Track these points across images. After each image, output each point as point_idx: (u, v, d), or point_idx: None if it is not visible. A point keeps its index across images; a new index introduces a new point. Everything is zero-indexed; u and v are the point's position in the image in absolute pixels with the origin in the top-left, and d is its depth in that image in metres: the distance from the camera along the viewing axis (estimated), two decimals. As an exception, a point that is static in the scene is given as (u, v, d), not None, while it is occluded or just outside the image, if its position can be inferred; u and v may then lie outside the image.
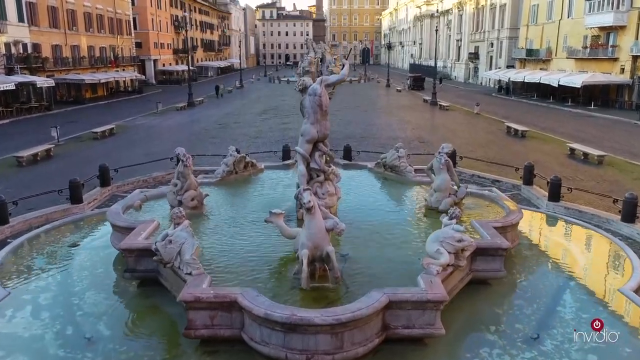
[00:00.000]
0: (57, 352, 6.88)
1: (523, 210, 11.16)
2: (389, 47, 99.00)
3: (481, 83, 72.01)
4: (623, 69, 42.01)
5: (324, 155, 10.24)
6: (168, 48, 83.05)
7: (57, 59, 49.05)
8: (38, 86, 41.49)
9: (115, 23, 63.30)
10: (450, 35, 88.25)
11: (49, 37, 48.23)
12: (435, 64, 57.46)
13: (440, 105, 44.38)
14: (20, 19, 43.12)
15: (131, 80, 63.24)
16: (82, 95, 50.73)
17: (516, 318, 7.71)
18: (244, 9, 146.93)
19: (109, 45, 61.39)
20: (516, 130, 28.83)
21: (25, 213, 13.04)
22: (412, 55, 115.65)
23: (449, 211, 8.16)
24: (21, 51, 43.01)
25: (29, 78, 40.29)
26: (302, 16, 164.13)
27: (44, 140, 25.92)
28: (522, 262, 9.76)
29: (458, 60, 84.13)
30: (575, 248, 11.04)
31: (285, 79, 77.09)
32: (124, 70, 63.44)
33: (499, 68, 64.52)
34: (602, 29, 44.21)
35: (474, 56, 75.12)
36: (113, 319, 7.70)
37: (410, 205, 11.66)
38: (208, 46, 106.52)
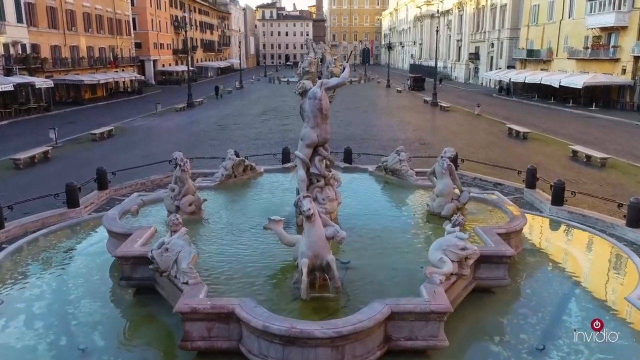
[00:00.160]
0: (50, 364, 6.71)
1: (526, 215, 10.99)
2: (389, 47, 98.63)
3: (482, 83, 71.85)
4: (624, 69, 41.83)
5: (324, 160, 10.05)
6: (168, 48, 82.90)
7: (56, 59, 48.90)
8: (37, 87, 41.37)
9: (115, 23, 63.14)
10: (450, 36, 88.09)
11: (48, 38, 48.08)
12: (436, 64, 57.23)
13: (440, 106, 44.21)
14: (19, 20, 42.97)
15: (130, 80, 63.11)
16: (81, 96, 50.57)
17: (521, 328, 7.52)
18: (244, 9, 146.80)
19: (108, 45, 61.23)
20: (517, 132, 28.65)
21: (21, 217, 12.85)
22: (412, 55, 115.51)
23: (452, 218, 7.98)
24: (20, 52, 42.87)
25: (27, 79, 40.11)
26: (302, 16, 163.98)
27: (42, 141, 25.75)
28: (526, 269, 9.57)
29: (458, 61, 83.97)
30: (580, 254, 10.84)
31: (285, 79, 76.90)
32: (123, 70, 63.28)
33: (500, 68, 64.36)
34: (603, 29, 44.05)
35: (475, 56, 74.95)
36: (108, 329, 7.51)
37: (412, 210, 11.45)
38: (208, 46, 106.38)
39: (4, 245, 11.04)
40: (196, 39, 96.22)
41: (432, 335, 6.59)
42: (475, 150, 23.70)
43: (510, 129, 29.82)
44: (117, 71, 60.75)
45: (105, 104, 50.62)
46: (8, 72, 39.83)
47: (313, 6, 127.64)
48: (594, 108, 42.44)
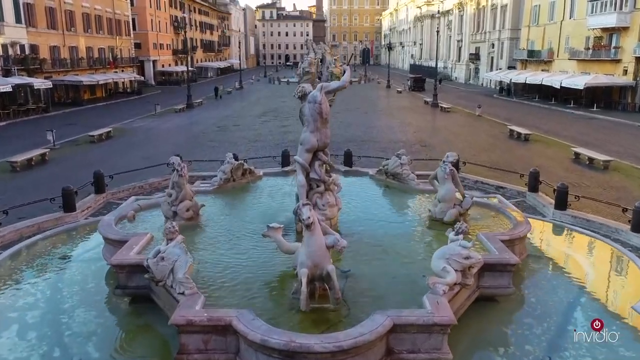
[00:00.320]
0: (43, 377, 6.53)
1: (529, 219, 10.80)
2: (390, 47, 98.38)
3: (482, 84, 71.68)
4: (626, 70, 41.64)
5: (324, 165, 9.86)
6: (167, 49, 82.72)
7: (55, 60, 48.71)
8: (35, 88, 41.17)
9: (114, 24, 62.95)
10: (450, 36, 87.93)
11: (47, 38, 47.88)
12: (436, 64, 57.04)
13: (441, 107, 44.01)
14: (18, 20, 42.77)
15: (130, 81, 62.93)
16: (80, 96, 50.36)
17: (526, 338, 7.34)
18: (243, 9, 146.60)
19: (107, 46, 61.04)
20: (519, 134, 28.45)
21: (17, 222, 12.66)
22: (412, 55, 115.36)
23: (455, 226, 7.78)
24: (18, 52, 42.68)
25: (26, 80, 39.91)
26: (302, 16, 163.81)
27: (41, 143, 25.56)
28: (530, 276, 9.38)
29: (459, 61, 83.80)
30: (585, 260, 10.65)
31: (285, 79, 76.71)
32: (122, 71, 63.09)
33: (500, 69, 64.18)
34: (604, 30, 43.87)
35: (475, 57, 74.79)
36: (103, 340, 7.33)
37: (414, 215, 11.26)
38: (208, 47, 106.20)
39: (-1, 251, 10.86)
40: (196, 39, 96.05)
41: (435, 348, 6.41)
42: (476, 153, 23.51)
43: (511, 130, 29.61)
44: (116, 72, 60.55)
45: (105, 104, 50.41)
46: (6, 73, 39.63)
47: (313, 6, 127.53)
48: (595, 109, 42.24)
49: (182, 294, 6.97)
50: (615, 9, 41.48)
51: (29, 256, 10.55)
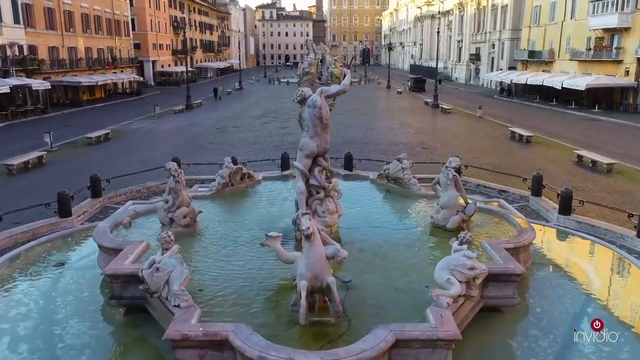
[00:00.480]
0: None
1: (533, 225, 10.58)
2: (390, 48, 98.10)
3: (482, 84, 71.49)
4: (628, 71, 41.42)
5: (324, 171, 9.64)
6: (167, 49, 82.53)
7: (53, 61, 48.51)
8: (34, 89, 40.95)
9: (113, 24, 62.74)
10: (451, 36, 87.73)
11: (46, 39, 47.66)
12: (437, 65, 56.82)
13: (442, 108, 43.80)
14: (16, 21, 42.56)
15: (129, 82, 62.75)
16: (79, 97, 50.17)
17: (532, 351, 7.11)
18: (243, 10, 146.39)
19: (106, 46, 60.82)
20: (521, 135, 28.21)
21: (12, 227, 12.46)
22: (412, 56, 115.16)
23: (459, 235, 7.56)
24: (17, 53, 42.46)
25: (24, 81, 39.66)
26: (302, 16, 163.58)
27: (38, 145, 25.37)
28: (535, 285, 9.15)
29: (459, 62, 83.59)
30: (590, 267, 10.43)
31: (285, 80, 76.34)
32: (122, 71, 62.89)
33: (501, 69, 63.96)
34: (606, 30, 43.65)
35: (475, 57, 74.57)
36: (96, 352, 7.12)
37: (416, 222, 11.02)
38: (207, 47, 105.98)
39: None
40: (195, 40, 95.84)
41: (439, 364, 6.18)
42: (478, 155, 23.29)
43: (513, 132, 29.38)
44: (115, 72, 60.34)
45: (104, 105, 50.21)
46: (5, 74, 39.40)
47: (313, 6, 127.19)
48: (596, 110, 42.02)
49: (178, 306, 6.76)
50: (616, 10, 41.26)
51: (22, 263, 10.33)
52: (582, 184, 17.99)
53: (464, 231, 7.88)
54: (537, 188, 14.75)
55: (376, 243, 9.49)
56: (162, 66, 79.52)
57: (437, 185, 10.70)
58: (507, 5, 64.13)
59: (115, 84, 60.64)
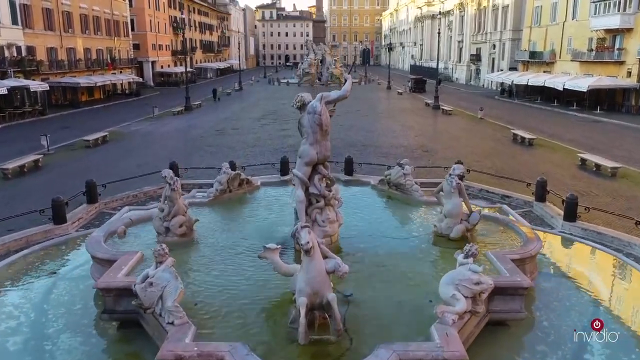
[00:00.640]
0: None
1: (538, 232, 10.31)
2: (390, 48, 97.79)
3: (483, 85, 71.20)
4: (630, 72, 41.13)
5: (324, 179, 9.36)
6: (166, 49, 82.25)
7: (52, 62, 48.19)
8: (32, 90, 40.64)
9: (113, 25, 62.43)
10: (451, 37, 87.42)
11: (44, 40, 47.35)
12: (437, 65, 56.51)
13: (442, 109, 43.50)
14: (14, 21, 42.26)
15: (129, 82, 62.46)
16: (78, 98, 49.84)
17: (540, 368, 6.86)
18: (243, 10, 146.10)
19: (105, 47, 60.53)
20: (523, 138, 27.87)
21: (6, 234, 12.18)
22: (412, 56, 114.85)
23: (464, 248, 7.28)
24: (15, 54, 42.12)
25: (22, 82, 39.35)
26: (302, 17, 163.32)
27: (36, 147, 25.07)
28: (541, 296, 8.86)
29: (459, 62, 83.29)
30: (597, 278, 10.14)
31: (285, 80, 76.11)
32: (121, 72, 62.59)
33: (502, 70, 63.68)
34: (608, 31, 43.36)
35: (476, 58, 74.27)
36: (88, 370, 6.86)
37: (418, 231, 10.72)
38: (207, 47, 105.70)
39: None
40: (195, 40, 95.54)
41: (444, 385, 5.91)
42: (480, 159, 22.99)
43: (515, 134, 29.07)
44: (114, 73, 60.03)
45: (103, 106, 49.89)
46: (3, 75, 39.06)
47: (313, 6, 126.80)
48: (598, 111, 41.70)
49: (172, 323, 6.50)
50: (619, 10, 40.98)
51: (14, 273, 10.04)
52: (586, 189, 17.69)
53: (469, 243, 7.59)
54: (541, 193, 14.45)
55: (378, 253, 9.22)
56: (162, 67, 79.23)
57: (441, 193, 10.41)
58: (507, 6, 63.85)
59: (114, 84, 60.34)
